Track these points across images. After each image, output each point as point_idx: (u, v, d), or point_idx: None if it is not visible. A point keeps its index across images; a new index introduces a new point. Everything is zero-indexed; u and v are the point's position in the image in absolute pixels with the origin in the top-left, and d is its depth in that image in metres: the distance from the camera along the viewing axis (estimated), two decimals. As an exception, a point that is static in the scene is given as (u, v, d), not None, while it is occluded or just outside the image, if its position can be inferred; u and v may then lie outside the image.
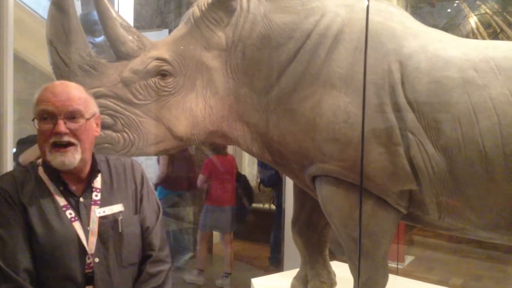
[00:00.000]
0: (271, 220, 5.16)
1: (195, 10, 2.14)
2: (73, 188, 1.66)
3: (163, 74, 2.02)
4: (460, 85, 1.92)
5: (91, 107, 1.67)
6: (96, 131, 1.71)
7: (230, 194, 4.71)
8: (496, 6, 5.27)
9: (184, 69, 2.06)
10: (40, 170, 1.66)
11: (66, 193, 1.64)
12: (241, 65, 2.11)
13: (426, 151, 1.94)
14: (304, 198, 2.51)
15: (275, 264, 4.68)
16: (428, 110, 1.93)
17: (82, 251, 1.60)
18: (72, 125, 1.58)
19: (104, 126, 1.93)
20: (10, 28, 2.27)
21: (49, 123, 1.56)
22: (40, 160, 1.67)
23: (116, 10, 3.42)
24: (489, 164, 1.88)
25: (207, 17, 2.10)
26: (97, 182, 1.71)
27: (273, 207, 5.63)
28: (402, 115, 1.95)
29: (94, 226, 1.63)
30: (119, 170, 1.79)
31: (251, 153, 2.25)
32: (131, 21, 4.49)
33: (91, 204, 1.65)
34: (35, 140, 1.64)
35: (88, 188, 1.68)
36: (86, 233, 1.61)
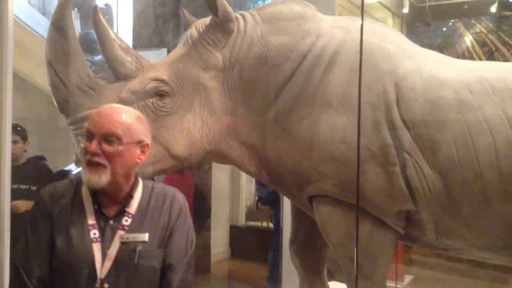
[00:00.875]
0: (269, 238, 5.13)
1: (193, 31, 2.16)
2: (107, 209, 1.66)
3: (161, 95, 2.03)
4: (455, 106, 1.94)
5: (136, 134, 1.65)
6: (140, 158, 1.68)
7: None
8: (491, 25, 5.33)
9: (182, 89, 2.07)
10: (84, 186, 1.68)
11: (99, 213, 1.65)
12: (238, 85, 2.13)
13: (422, 171, 1.95)
14: (301, 218, 2.51)
15: (273, 284, 4.64)
16: (424, 130, 1.95)
17: (94, 274, 1.57)
18: (107, 148, 1.58)
19: None
20: (10, 47, 2.28)
21: (88, 141, 1.59)
22: None
23: (115, 30, 3.46)
24: (485, 184, 1.89)
25: (205, 39, 2.13)
26: (132, 208, 1.68)
27: (271, 225, 5.60)
28: (398, 135, 1.97)
29: (113, 250, 1.60)
30: (159, 199, 1.75)
31: (248, 172, 2.25)
32: (130, 41, 4.53)
33: (118, 228, 1.63)
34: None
35: (122, 212, 1.67)
36: (104, 256, 1.59)
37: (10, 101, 2.25)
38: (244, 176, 6.32)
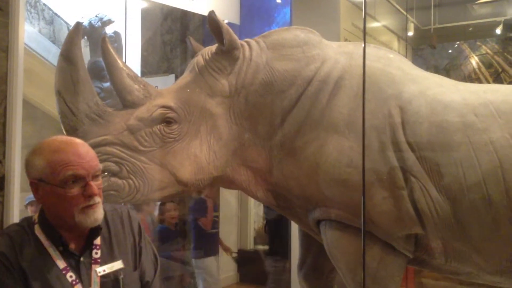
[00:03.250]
0: (278, 262, 5.08)
1: (199, 59, 2.20)
2: (73, 246, 1.56)
3: (168, 121, 2.05)
4: (460, 129, 1.95)
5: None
6: None
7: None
8: (496, 46, 5.35)
9: (189, 116, 2.10)
10: (37, 229, 1.55)
11: (66, 253, 1.54)
12: (244, 111, 2.15)
13: (430, 195, 1.94)
14: (309, 242, 2.49)
15: (283, 309, 4.58)
16: (430, 154, 1.95)
17: None
18: (96, 184, 1.53)
19: (109, 173, 1.95)
20: (20, 74, 2.32)
21: (77, 186, 1.48)
22: (35, 217, 1.58)
23: (124, 57, 3.52)
24: (492, 207, 1.88)
25: (211, 66, 2.16)
26: (97, 239, 1.63)
27: (279, 249, 5.56)
28: (404, 158, 1.97)
29: (96, 287, 1.55)
30: (117, 222, 1.70)
31: (255, 197, 2.26)
32: (138, 67, 4.60)
33: (91, 263, 1.57)
34: None
35: (87, 245, 1.60)
36: None
37: (19, 127, 2.28)
38: (252, 199, 6.29)
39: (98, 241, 1.62)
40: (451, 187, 1.92)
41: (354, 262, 2.06)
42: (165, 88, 2.20)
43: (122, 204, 2.08)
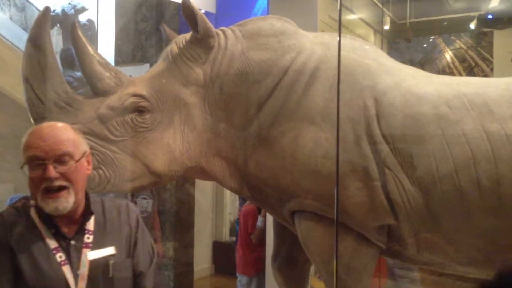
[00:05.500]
0: (253, 254, 5.08)
1: (173, 47, 2.15)
2: (65, 230, 1.59)
3: (140, 110, 2.01)
4: (434, 121, 1.96)
5: (81, 146, 1.61)
6: (88, 169, 1.65)
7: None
8: (470, 41, 5.43)
9: (162, 105, 2.06)
10: (32, 211, 1.60)
11: (58, 236, 1.58)
12: (219, 100, 2.12)
13: (403, 186, 1.95)
14: (284, 233, 2.49)
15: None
16: (403, 145, 1.96)
17: None
18: (62, 168, 1.52)
19: None
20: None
21: (39, 169, 1.50)
22: (33, 201, 1.61)
23: (97, 45, 3.44)
24: (464, 198, 1.90)
25: (185, 54, 2.12)
26: (90, 224, 1.64)
27: (255, 240, 5.55)
28: (378, 150, 1.97)
29: (84, 270, 1.57)
30: (113, 212, 1.72)
31: (229, 188, 2.24)
32: (112, 56, 4.51)
33: (82, 247, 1.59)
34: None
35: (81, 230, 1.62)
36: (76, 277, 1.55)
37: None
38: (227, 191, 6.28)
39: (91, 226, 1.64)
40: (424, 179, 1.94)
41: (328, 253, 2.06)
42: (137, 77, 2.16)
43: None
